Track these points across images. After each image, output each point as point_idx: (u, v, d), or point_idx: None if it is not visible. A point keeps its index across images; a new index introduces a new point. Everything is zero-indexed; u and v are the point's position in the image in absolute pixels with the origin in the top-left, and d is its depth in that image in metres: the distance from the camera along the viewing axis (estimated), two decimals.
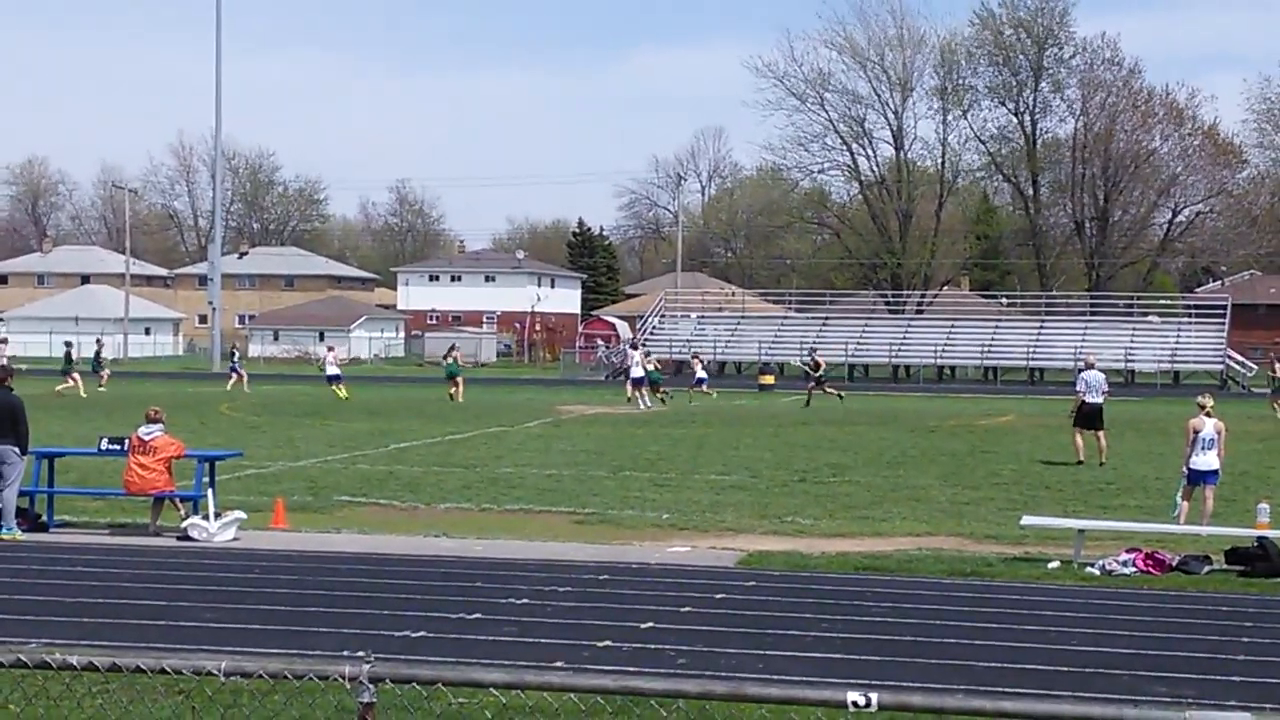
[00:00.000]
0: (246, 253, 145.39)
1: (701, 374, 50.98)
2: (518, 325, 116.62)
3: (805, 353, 59.46)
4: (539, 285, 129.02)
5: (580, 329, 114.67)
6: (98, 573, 16.75)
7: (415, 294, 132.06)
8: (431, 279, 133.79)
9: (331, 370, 57.23)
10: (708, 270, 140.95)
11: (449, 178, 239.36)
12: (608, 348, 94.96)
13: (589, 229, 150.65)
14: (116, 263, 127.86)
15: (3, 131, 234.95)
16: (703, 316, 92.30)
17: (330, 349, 61.39)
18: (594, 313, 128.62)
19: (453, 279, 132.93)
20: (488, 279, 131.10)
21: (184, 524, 19.46)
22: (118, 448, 20.44)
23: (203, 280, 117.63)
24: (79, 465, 24.78)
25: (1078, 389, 31.64)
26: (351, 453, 31.58)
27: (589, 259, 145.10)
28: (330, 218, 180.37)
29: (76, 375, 56.87)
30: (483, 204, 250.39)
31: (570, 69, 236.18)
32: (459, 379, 55.10)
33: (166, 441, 19.92)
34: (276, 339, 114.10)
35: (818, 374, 54.17)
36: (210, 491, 19.90)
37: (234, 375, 61.90)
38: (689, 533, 20.30)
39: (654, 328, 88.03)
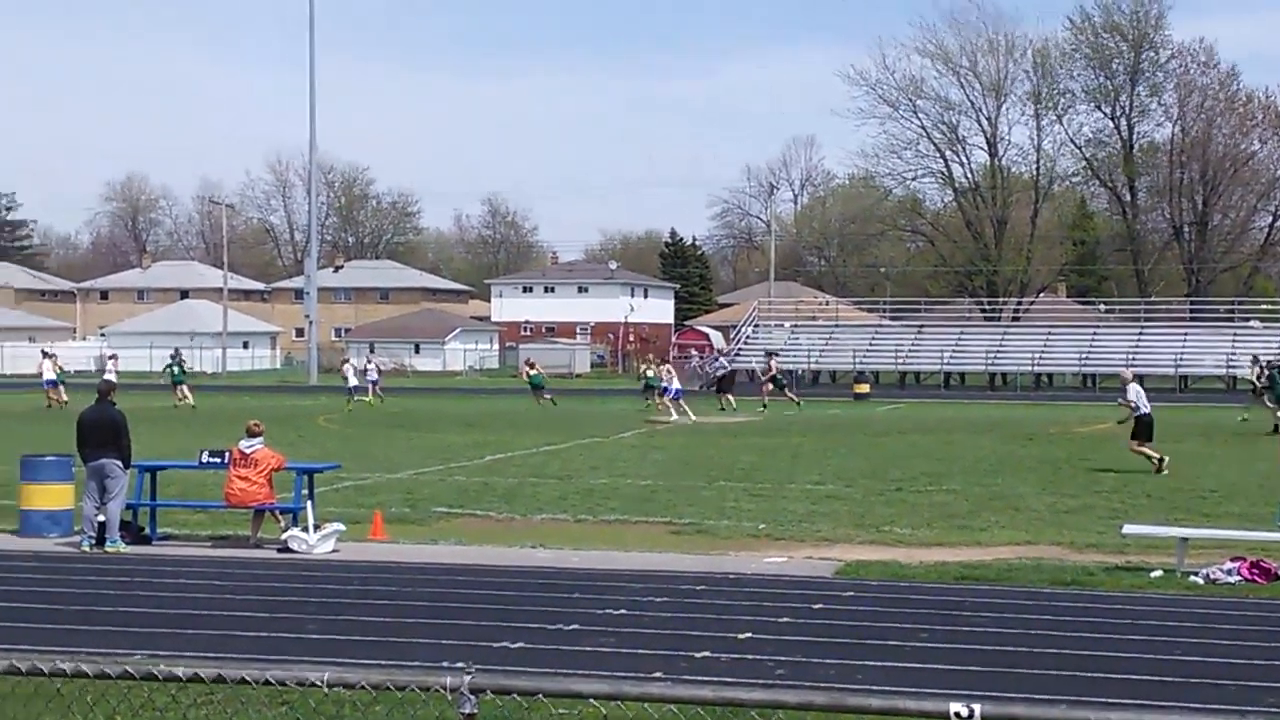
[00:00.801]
0: (342, 266, 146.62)
1: (677, 385, 49.51)
2: (611, 336, 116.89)
3: (763, 356, 59.73)
4: (632, 295, 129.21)
5: (674, 339, 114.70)
6: (200, 585, 16.93)
7: (509, 305, 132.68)
8: (525, 290, 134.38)
9: (357, 381, 59.83)
10: (801, 279, 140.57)
11: (542, 189, 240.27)
12: (701, 358, 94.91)
13: (681, 239, 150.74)
14: (215, 277, 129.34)
15: (104, 149, 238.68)
16: (796, 326, 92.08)
17: (368, 360, 62.97)
18: (687, 323, 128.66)
19: (546, 290, 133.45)
20: (581, 290, 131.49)
21: (284, 536, 19.63)
22: (219, 461, 20.66)
23: (299, 294, 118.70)
24: (180, 478, 25.07)
25: (1132, 400, 30.58)
26: (447, 464, 31.75)
27: (682, 269, 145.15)
28: (424, 230, 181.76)
29: (186, 388, 57.85)
30: (575, 215, 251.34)
31: (662, 78, 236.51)
32: (543, 389, 56.91)
33: (267, 454, 20.12)
34: (372, 352, 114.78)
35: (770, 376, 55.66)
36: (309, 504, 20.06)
37: (371, 388, 62.36)
38: (785, 543, 20.24)
39: (748, 337, 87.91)
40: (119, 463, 19.84)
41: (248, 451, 20.06)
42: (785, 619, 14.75)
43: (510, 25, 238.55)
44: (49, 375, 57.71)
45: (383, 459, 32.78)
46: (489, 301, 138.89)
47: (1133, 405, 30.54)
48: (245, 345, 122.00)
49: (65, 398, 53.93)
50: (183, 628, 14.33)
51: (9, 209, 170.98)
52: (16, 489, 21.49)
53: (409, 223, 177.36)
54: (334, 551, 19.25)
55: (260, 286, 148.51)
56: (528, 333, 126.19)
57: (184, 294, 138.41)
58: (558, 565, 18.21)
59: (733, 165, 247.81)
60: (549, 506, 24.22)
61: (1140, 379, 33.36)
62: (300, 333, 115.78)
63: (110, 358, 61.89)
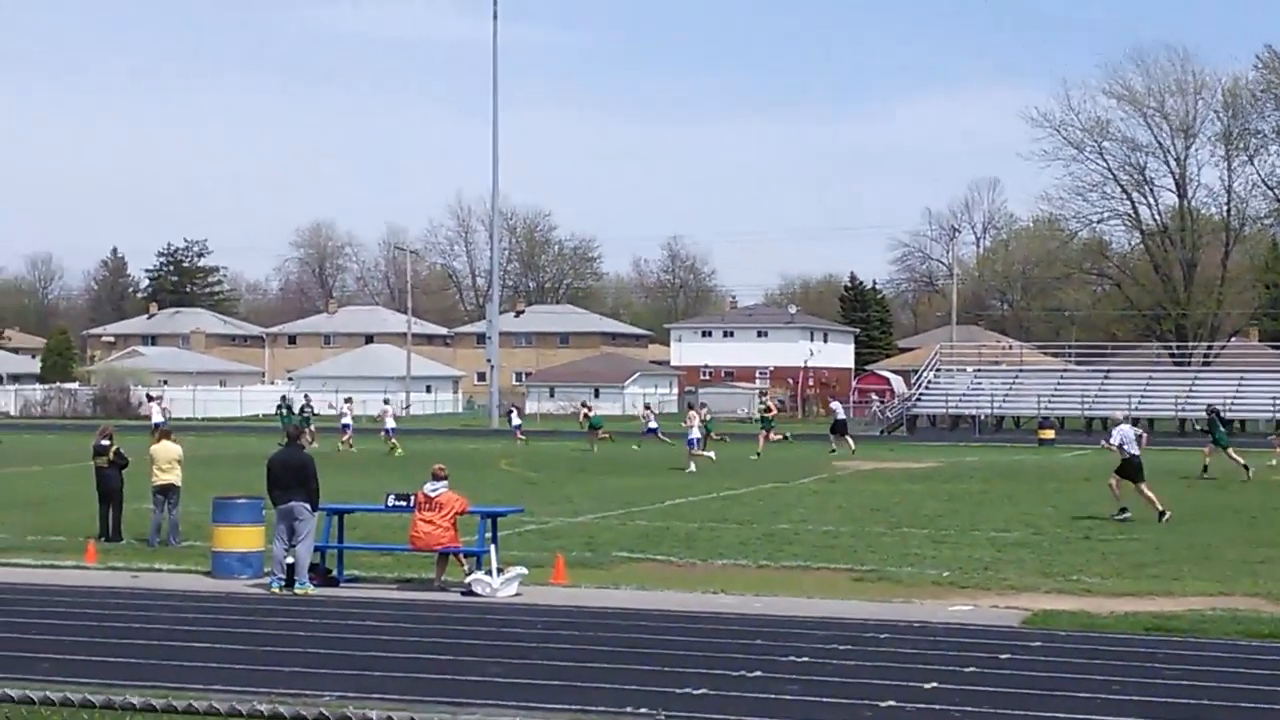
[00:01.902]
0: (523, 311, 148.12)
1: (696, 435, 48.36)
2: (790, 380, 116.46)
3: (759, 399, 58.45)
4: (811, 340, 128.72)
5: (854, 384, 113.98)
6: (386, 627, 17.12)
7: (688, 350, 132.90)
8: (704, 335, 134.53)
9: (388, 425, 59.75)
10: (983, 323, 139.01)
11: (720, 233, 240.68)
12: (882, 402, 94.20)
13: (861, 283, 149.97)
14: (398, 322, 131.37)
15: (293, 196, 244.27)
16: (979, 370, 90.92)
17: (345, 400, 63.37)
18: (868, 367, 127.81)
19: (725, 334, 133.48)
20: (760, 334, 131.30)
21: (468, 579, 19.78)
22: (404, 504, 20.89)
23: (481, 338, 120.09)
24: (366, 521, 25.41)
25: (1114, 442, 30.41)
26: (628, 508, 31.80)
27: (862, 313, 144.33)
28: (604, 275, 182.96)
29: (314, 430, 59.36)
30: (754, 259, 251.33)
31: (842, 121, 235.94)
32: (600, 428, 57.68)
33: (451, 498, 20.30)
34: (552, 395, 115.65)
35: (768, 419, 54.48)
36: (493, 547, 20.19)
37: (517, 435, 63.20)
38: (971, 590, 19.93)
39: (929, 382, 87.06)
40: (307, 505, 20.16)
41: (432, 495, 20.26)
42: (971, 669, 14.51)
43: (689, 72, 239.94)
44: (157, 418, 59.28)
45: (564, 503, 32.93)
46: (668, 346, 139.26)
47: (1112, 446, 30.43)
48: (428, 389, 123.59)
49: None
50: (370, 670, 14.48)
51: (200, 256, 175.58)
52: (209, 530, 21.94)
53: (589, 267, 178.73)
54: (517, 595, 19.35)
55: (443, 331, 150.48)
56: (707, 377, 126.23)
57: (369, 338, 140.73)
58: (740, 611, 18.11)
59: (913, 208, 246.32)
60: (730, 552, 24.14)
61: (1136, 421, 32.56)
62: (482, 377, 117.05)
63: (301, 399, 63.52)
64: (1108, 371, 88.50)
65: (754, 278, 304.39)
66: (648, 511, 31.23)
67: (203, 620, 17.55)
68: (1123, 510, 29.50)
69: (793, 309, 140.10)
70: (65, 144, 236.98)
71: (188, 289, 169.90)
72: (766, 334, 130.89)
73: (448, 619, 17.70)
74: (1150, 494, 29.77)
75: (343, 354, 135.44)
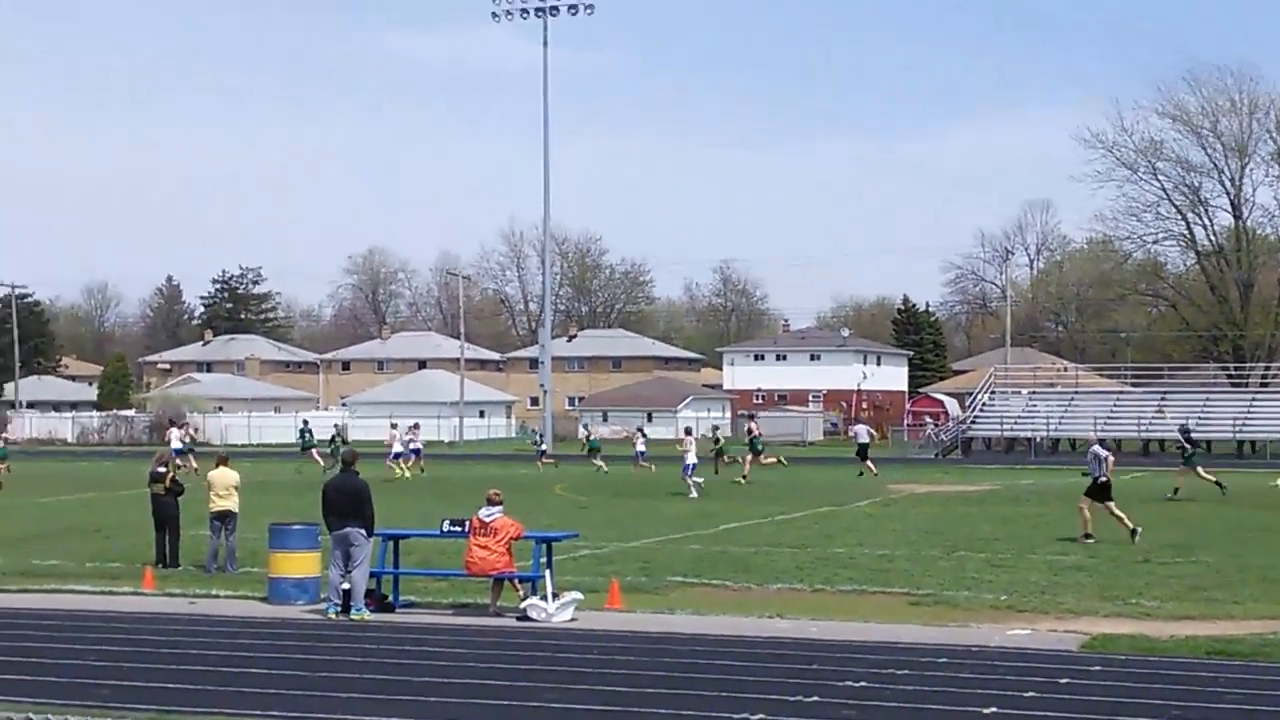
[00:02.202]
0: (575, 336, 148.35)
1: (692, 460, 47.71)
2: (844, 404, 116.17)
3: (747, 424, 57.69)
4: (864, 363, 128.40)
5: (908, 406, 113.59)
6: (442, 652, 17.13)
7: (741, 374, 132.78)
8: (757, 358, 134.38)
9: (398, 449, 59.42)
10: (1038, 345, 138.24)
11: (772, 257, 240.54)
12: (936, 425, 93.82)
13: (914, 305, 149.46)
14: (451, 348, 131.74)
15: (347, 223, 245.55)
16: (1034, 392, 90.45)
17: (411, 426, 63.41)
18: (921, 390, 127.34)
19: (778, 358, 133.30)
20: (813, 357, 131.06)
21: (523, 604, 19.78)
22: (459, 530, 20.91)
23: (533, 363, 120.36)
24: (422, 547, 25.44)
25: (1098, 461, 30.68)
26: (682, 533, 31.76)
27: (915, 335, 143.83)
28: (655, 299, 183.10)
29: (316, 453, 59.89)
30: (806, 282, 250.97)
31: (892, 144, 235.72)
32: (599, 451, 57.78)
33: (506, 523, 20.32)
34: (605, 420, 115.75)
35: (756, 442, 53.89)
36: (548, 572, 20.19)
37: (540, 458, 63.61)
38: (1028, 614, 19.79)
39: (984, 404, 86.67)
40: (363, 531, 20.21)
41: (487, 520, 20.28)
42: (1030, 693, 14.41)
43: (740, 96, 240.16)
44: (175, 444, 59.72)
45: (618, 527, 32.92)
46: (720, 369, 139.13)
47: (1099, 467, 30.59)
48: (481, 414, 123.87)
49: (195, 465, 55.56)
50: (426, 695, 14.49)
51: (255, 283, 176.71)
52: (265, 556, 22.01)
53: (641, 291, 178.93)
54: (572, 620, 19.33)
55: (496, 356, 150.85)
56: (759, 400, 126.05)
57: (422, 364, 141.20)
58: (796, 635, 18.05)
59: (966, 230, 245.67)
60: (785, 576, 24.06)
61: (1105, 443, 32.90)
62: (535, 401, 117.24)
63: (414, 427, 64.41)
64: (1164, 393, 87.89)
65: (806, 301, 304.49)
66: (702, 536, 31.18)
67: (259, 646, 17.61)
68: (1087, 536, 29.66)
69: (845, 332, 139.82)
70: (121, 173, 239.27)
71: (242, 316, 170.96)
72: (819, 357, 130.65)
73: (503, 644, 17.70)
74: (1119, 513, 30.05)
75: (396, 380, 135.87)
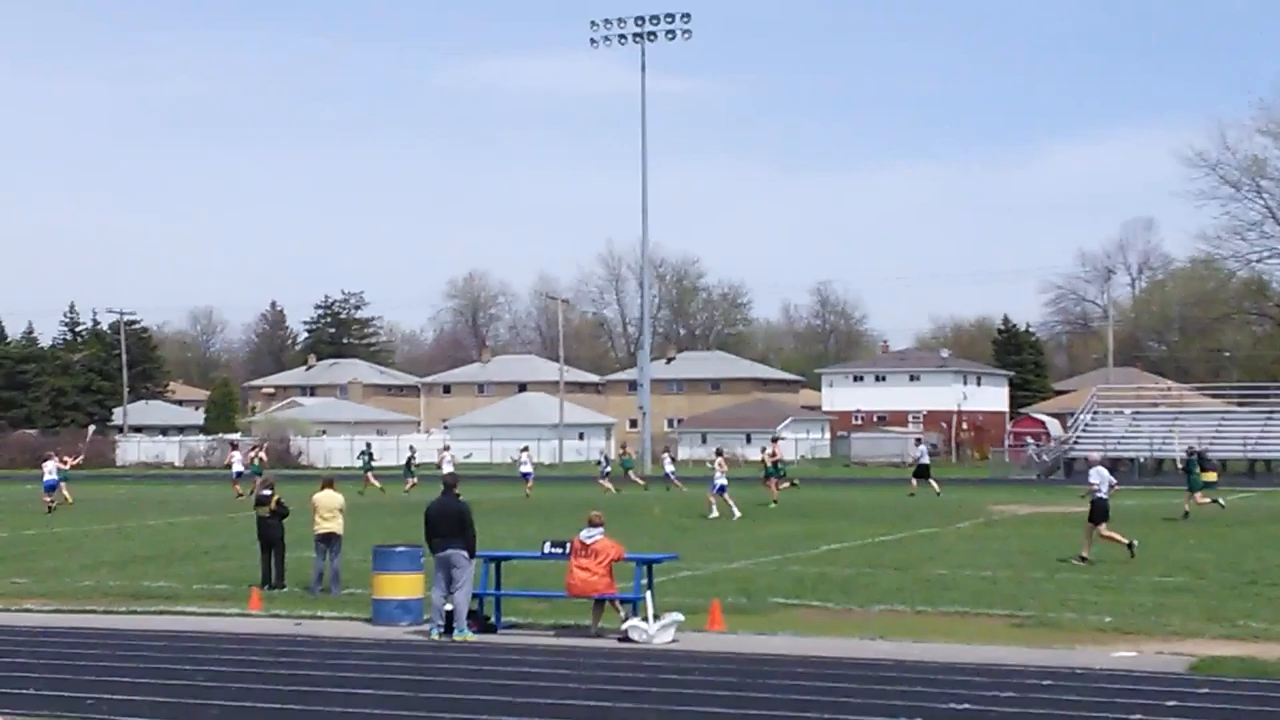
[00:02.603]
0: (674, 358, 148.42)
1: (722, 481, 47.13)
2: (944, 425, 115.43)
3: (767, 447, 56.88)
4: (964, 383, 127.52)
5: (1009, 427, 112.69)
6: (544, 673, 17.21)
7: (840, 395, 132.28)
8: (855, 379, 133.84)
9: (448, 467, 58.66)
10: (1140, 365, 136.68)
11: (870, 277, 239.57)
12: (1038, 445, 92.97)
13: (1014, 325, 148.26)
14: (551, 370, 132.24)
15: (447, 247, 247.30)
16: (1137, 413, 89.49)
17: (521, 449, 63.68)
18: (1022, 410, 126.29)
19: (877, 379, 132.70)
20: (912, 378, 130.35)
21: (624, 626, 19.84)
22: (560, 551, 21.01)
23: (632, 385, 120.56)
24: (523, 568, 25.55)
25: (1093, 483, 30.65)
26: (783, 554, 31.70)
27: (1015, 356, 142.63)
28: (754, 321, 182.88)
29: (372, 476, 60.58)
30: (905, 303, 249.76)
31: (994, 162, 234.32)
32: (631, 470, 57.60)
33: (607, 545, 20.39)
34: (704, 441, 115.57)
35: (774, 462, 53.10)
36: (649, 594, 20.23)
37: (671, 479, 63.44)
38: (1134, 637, 19.59)
39: (1086, 425, 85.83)
40: (465, 553, 20.35)
41: (588, 542, 20.37)
42: (1137, 716, 14.28)
43: (837, 117, 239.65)
44: (238, 467, 60.38)
45: (718, 549, 32.90)
46: (819, 391, 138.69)
47: (1094, 487, 30.49)
48: (581, 436, 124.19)
49: (240, 490, 57.79)
50: (528, 716, 14.58)
51: (357, 308, 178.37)
52: (369, 578, 22.22)
53: (739, 313, 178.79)
54: (673, 641, 19.36)
55: (595, 379, 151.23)
56: (859, 422, 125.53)
57: (522, 387, 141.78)
58: (898, 657, 17.98)
59: (1067, 250, 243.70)
60: (887, 597, 23.96)
61: (1107, 463, 32.89)
62: (634, 423, 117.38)
63: (445, 449, 64.38)
64: (1271, 412, 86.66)
65: (905, 321, 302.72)
66: (802, 558, 31.11)
67: (364, 667, 17.78)
68: (1082, 558, 29.46)
69: (945, 352, 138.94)
70: (225, 200, 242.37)
71: (345, 340, 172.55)
72: (919, 378, 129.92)
73: (604, 665, 17.76)
74: (1111, 534, 30.13)
75: (497, 403, 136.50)
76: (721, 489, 45.89)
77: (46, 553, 34.18)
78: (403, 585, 21.39)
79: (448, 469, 58.72)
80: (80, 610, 23.54)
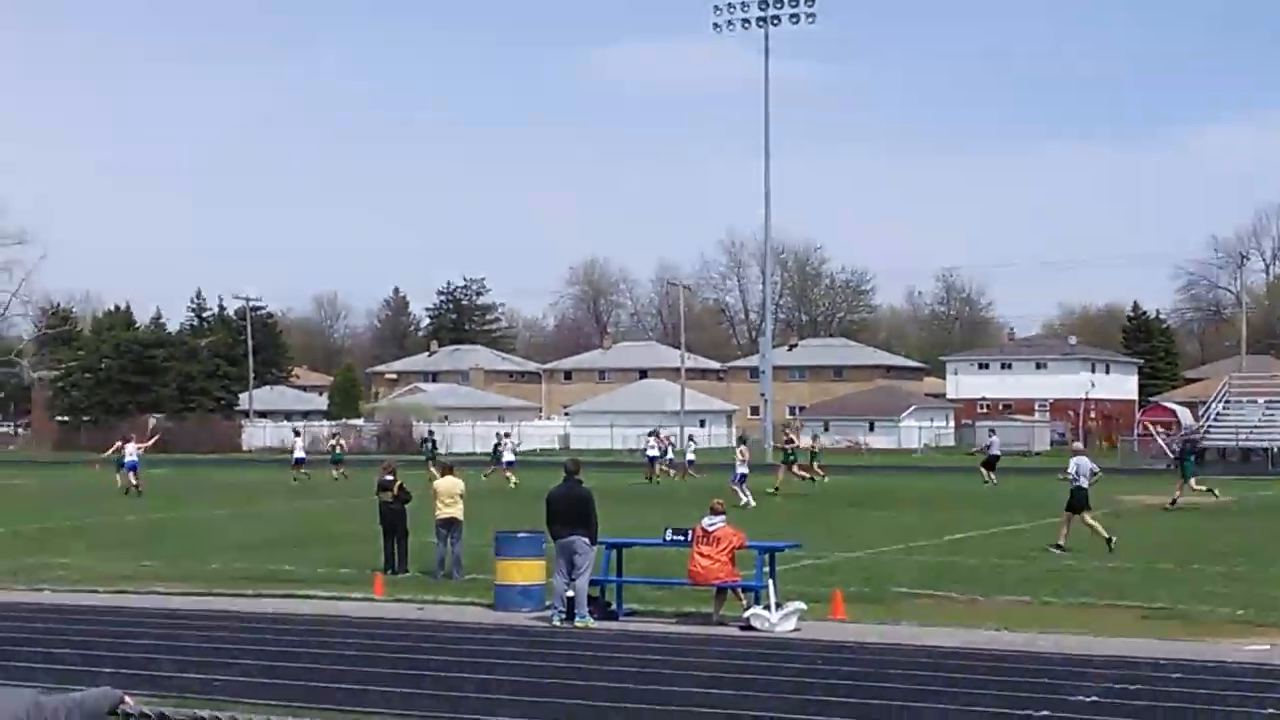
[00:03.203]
0: (796, 345, 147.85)
1: (743, 470, 45.68)
2: (1071, 413, 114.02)
3: (783, 432, 56.28)
4: (1092, 371, 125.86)
5: (1138, 416, 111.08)
6: (665, 660, 17.14)
7: (965, 383, 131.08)
8: (981, 367, 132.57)
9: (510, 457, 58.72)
10: (1274, 353, 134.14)
11: (996, 264, 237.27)
12: (1168, 435, 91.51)
13: (1144, 313, 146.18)
14: (672, 357, 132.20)
15: (568, 234, 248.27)
16: (1271, 401, 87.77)
17: (649, 433, 63.31)
18: (1152, 399, 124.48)
19: (1003, 366, 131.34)
20: (1039, 366, 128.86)
21: (746, 614, 19.71)
22: (682, 538, 20.92)
23: (754, 373, 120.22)
24: (645, 555, 25.47)
25: (1070, 472, 30.96)
26: (906, 543, 31.42)
27: (1145, 343, 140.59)
28: (877, 308, 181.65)
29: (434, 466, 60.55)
30: (1032, 290, 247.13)
31: (1121, 147, 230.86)
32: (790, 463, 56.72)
33: (729, 532, 20.28)
34: (827, 429, 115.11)
35: (791, 454, 52.06)
36: (771, 582, 20.09)
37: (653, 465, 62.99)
38: (1268, 630, 19.15)
39: (1217, 414, 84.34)
40: (586, 539, 20.31)
41: (710, 529, 20.26)
42: (1270, 710, 13.97)
43: (962, 102, 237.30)
44: (299, 454, 61.18)
45: (841, 538, 32.67)
46: (944, 378, 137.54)
47: (1070, 477, 30.81)
48: (702, 423, 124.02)
49: (308, 474, 60.02)
50: (649, 703, 14.50)
51: (479, 294, 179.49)
52: (491, 564, 22.26)
53: (862, 300, 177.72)
54: (795, 630, 19.22)
55: (716, 366, 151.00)
56: (984, 410, 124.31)
57: (643, 373, 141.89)
58: (1025, 649, 17.71)
59: (1199, 236, 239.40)
60: (1013, 588, 23.64)
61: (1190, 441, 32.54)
62: (755, 411, 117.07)
63: (505, 435, 65.05)
64: None
65: (1032, 308, 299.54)
66: (926, 547, 30.82)
67: (486, 652, 17.80)
68: (1060, 547, 29.49)
69: (1072, 340, 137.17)
70: (350, 188, 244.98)
71: (467, 327, 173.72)
72: (1045, 366, 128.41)
73: (726, 654, 17.65)
74: (1093, 522, 30.24)
75: (618, 389, 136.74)
76: (742, 478, 45.69)
77: (174, 536, 34.68)
78: (524, 571, 21.41)
79: (508, 457, 58.84)
80: (207, 593, 23.82)
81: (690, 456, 63.56)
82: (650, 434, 66.12)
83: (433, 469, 61.52)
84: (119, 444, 56.85)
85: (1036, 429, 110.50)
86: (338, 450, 65.82)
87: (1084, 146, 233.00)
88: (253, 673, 16.29)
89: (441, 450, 67.43)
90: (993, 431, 68.27)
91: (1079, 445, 35.07)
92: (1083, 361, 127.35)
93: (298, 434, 71.70)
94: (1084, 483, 30.73)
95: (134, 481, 52.56)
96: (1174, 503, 43.05)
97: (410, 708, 14.23)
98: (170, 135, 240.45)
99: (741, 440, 49.82)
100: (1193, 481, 44.09)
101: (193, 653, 17.75)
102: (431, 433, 76.40)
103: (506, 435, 65.25)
